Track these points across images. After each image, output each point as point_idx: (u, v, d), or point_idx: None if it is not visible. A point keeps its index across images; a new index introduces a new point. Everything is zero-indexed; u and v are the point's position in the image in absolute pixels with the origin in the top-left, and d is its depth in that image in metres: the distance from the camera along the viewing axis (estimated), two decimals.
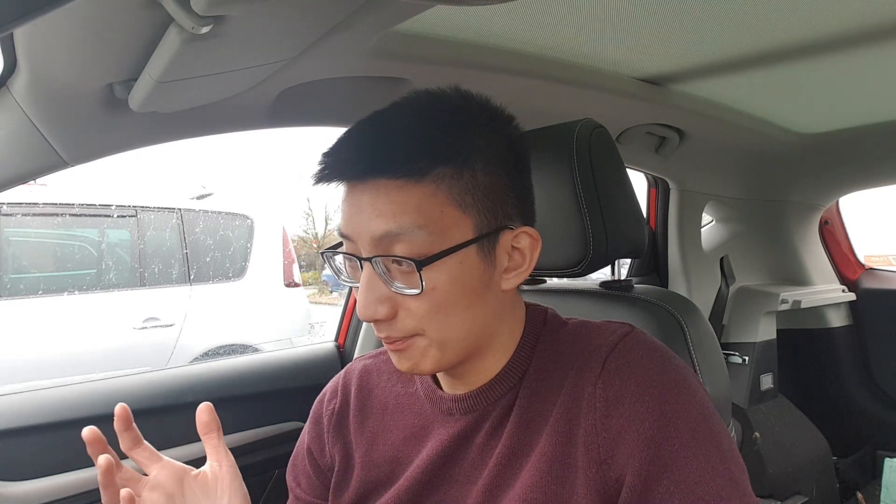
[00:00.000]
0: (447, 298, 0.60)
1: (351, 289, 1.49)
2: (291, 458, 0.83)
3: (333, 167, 0.61)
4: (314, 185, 0.63)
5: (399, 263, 0.59)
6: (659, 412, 0.57)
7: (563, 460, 0.60)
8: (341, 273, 0.67)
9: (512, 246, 0.64)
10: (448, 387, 0.70)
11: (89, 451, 0.64)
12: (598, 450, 0.58)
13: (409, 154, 0.59)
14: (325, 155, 0.63)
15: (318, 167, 0.62)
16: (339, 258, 0.66)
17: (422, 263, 0.57)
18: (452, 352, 0.62)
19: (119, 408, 0.65)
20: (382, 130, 0.62)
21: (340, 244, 0.65)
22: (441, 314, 0.60)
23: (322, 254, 0.68)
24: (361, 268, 0.61)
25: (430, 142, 0.60)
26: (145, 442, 0.68)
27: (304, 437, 0.81)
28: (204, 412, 0.69)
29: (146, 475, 0.68)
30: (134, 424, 0.67)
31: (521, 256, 0.64)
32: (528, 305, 0.71)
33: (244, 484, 0.68)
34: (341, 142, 0.63)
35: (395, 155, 0.59)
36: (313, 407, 0.81)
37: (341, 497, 0.75)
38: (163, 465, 0.68)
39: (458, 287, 0.60)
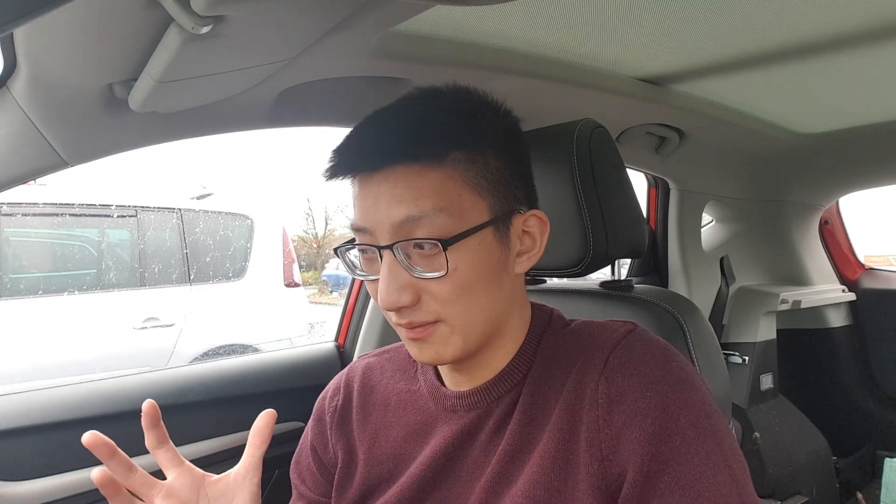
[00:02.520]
0: (469, 279, 0.60)
1: (351, 289, 1.49)
2: (295, 457, 0.83)
3: (345, 161, 0.62)
4: (327, 180, 0.64)
5: (421, 247, 0.59)
6: (661, 408, 0.57)
7: (566, 456, 0.60)
8: (355, 268, 0.67)
9: (522, 230, 0.65)
10: (452, 384, 0.70)
11: (96, 454, 0.61)
12: (599, 446, 0.59)
13: (423, 139, 0.60)
14: (336, 151, 0.63)
15: (330, 163, 0.63)
16: (352, 253, 0.66)
17: (447, 243, 0.58)
18: (474, 337, 0.63)
19: (147, 404, 0.63)
20: (392, 121, 0.63)
21: (351, 240, 0.65)
22: (464, 297, 0.60)
23: (336, 250, 0.67)
24: (381, 258, 0.61)
25: (443, 128, 0.61)
26: (170, 442, 0.66)
27: (308, 434, 0.81)
28: (265, 419, 0.67)
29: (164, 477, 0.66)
30: (162, 423, 0.65)
31: (532, 240, 0.66)
32: (533, 305, 0.72)
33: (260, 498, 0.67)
34: (351, 137, 0.64)
35: (410, 141, 0.60)
36: (316, 404, 0.82)
37: (345, 494, 0.75)
38: (182, 471, 0.65)
39: (479, 268, 0.61)
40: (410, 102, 0.65)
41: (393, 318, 0.63)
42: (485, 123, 0.64)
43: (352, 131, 0.65)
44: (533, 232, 0.66)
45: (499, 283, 0.63)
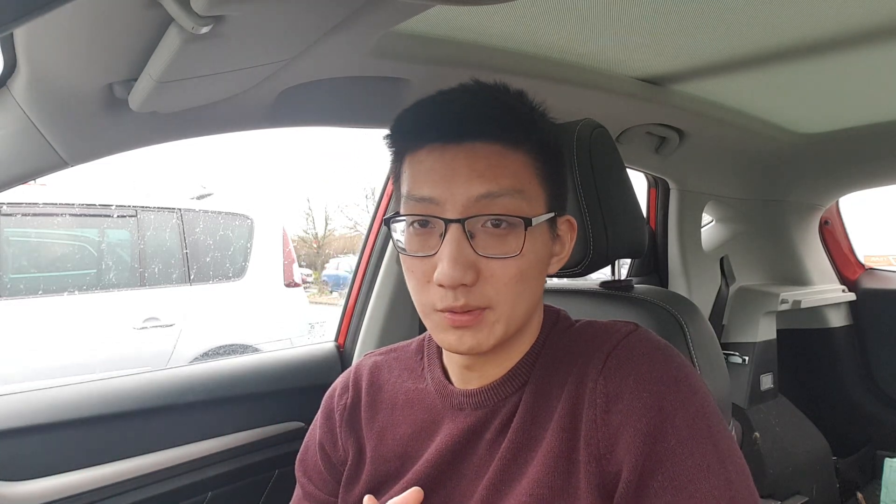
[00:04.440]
0: (530, 266, 0.61)
1: (351, 288, 1.49)
2: (300, 455, 0.83)
3: (426, 127, 0.62)
4: (390, 146, 0.64)
5: (497, 225, 0.60)
6: (657, 408, 0.57)
7: (568, 455, 0.61)
8: (400, 244, 0.65)
9: (557, 233, 0.67)
10: (460, 382, 0.70)
11: None
12: (597, 445, 0.59)
13: (508, 122, 0.61)
14: (403, 119, 0.63)
15: (402, 127, 0.63)
16: (399, 228, 0.64)
17: (529, 222, 0.59)
18: (512, 328, 0.63)
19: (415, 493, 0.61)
20: (476, 99, 0.63)
21: (397, 213, 0.64)
22: (520, 283, 0.61)
23: (386, 220, 0.65)
24: (445, 233, 0.60)
25: (523, 116, 0.62)
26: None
27: (315, 432, 0.81)
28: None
29: None
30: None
31: (561, 244, 0.68)
32: (544, 306, 0.72)
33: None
34: (428, 106, 0.63)
35: (494, 121, 0.60)
36: (323, 402, 0.82)
37: (352, 491, 0.75)
38: None
39: (538, 258, 0.62)
40: (481, 88, 0.64)
41: (442, 301, 0.60)
42: (549, 123, 0.66)
43: (421, 104, 0.64)
44: (564, 236, 0.68)
45: (541, 279, 0.65)
